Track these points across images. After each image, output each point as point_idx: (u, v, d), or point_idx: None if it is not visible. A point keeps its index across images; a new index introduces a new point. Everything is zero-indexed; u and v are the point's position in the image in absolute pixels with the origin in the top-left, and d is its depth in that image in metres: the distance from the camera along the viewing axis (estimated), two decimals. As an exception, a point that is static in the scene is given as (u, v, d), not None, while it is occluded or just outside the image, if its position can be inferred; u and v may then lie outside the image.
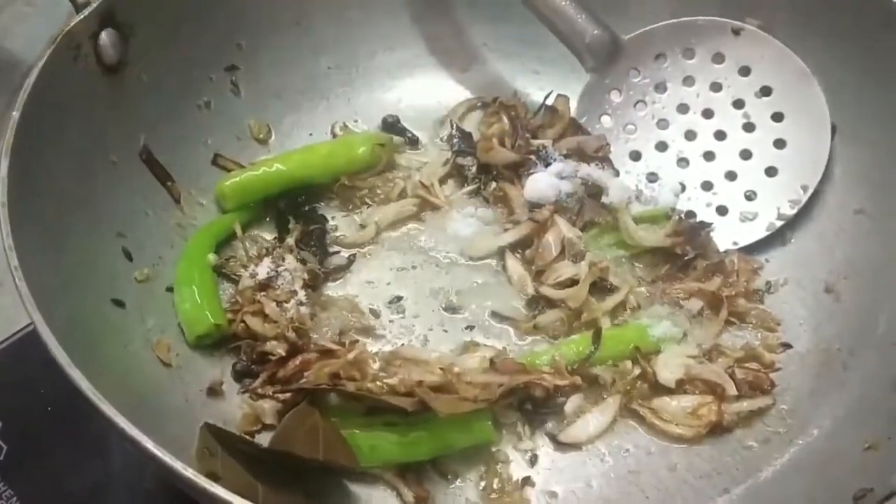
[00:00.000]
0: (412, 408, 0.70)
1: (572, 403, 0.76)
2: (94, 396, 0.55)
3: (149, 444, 0.54)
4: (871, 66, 0.85)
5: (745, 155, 0.90)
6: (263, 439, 0.74)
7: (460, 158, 0.93)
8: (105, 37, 0.78)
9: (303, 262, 0.84)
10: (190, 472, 0.52)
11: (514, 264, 0.86)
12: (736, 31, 0.90)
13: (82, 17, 0.76)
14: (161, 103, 0.85)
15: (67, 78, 0.75)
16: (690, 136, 0.91)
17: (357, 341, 0.80)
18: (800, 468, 0.72)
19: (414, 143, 0.97)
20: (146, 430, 0.57)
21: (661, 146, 0.92)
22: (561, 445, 0.75)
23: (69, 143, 0.75)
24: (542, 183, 0.89)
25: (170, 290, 0.81)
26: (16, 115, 0.69)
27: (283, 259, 0.83)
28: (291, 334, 0.77)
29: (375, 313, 0.84)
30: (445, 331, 0.83)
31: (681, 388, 0.77)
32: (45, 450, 0.81)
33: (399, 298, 0.85)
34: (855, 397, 0.75)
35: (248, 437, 0.74)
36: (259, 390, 0.76)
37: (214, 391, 0.77)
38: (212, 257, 0.83)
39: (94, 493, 0.79)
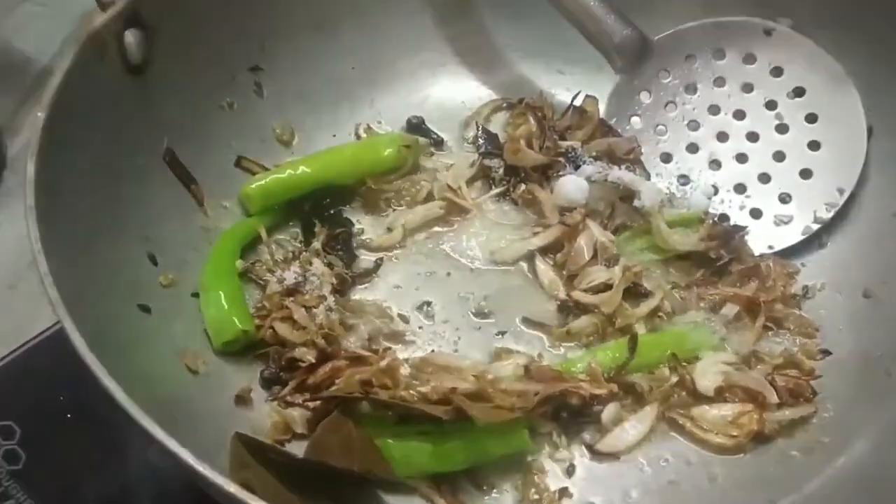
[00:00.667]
0: (448, 416, 0.68)
1: (609, 412, 0.74)
2: (132, 408, 0.54)
3: (189, 458, 0.52)
4: (908, 65, 0.84)
5: (779, 157, 0.88)
6: (293, 448, 0.72)
7: (487, 160, 0.91)
8: (130, 36, 0.76)
9: (330, 266, 0.82)
10: (233, 488, 0.51)
11: (544, 269, 0.84)
12: (768, 32, 0.88)
13: (108, 15, 0.74)
14: (185, 104, 0.84)
15: (93, 78, 0.73)
16: (722, 137, 0.90)
17: (388, 348, 0.78)
18: (846, 481, 0.70)
19: (439, 144, 0.95)
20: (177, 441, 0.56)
21: (693, 148, 0.90)
22: (598, 455, 0.74)
23: (94, 145, 0.74)
24: (571, 185, 0.87)
25: (195, 295, 0.79)
26: (41, 115, 0.67)
27: (311, 263, 0.81)
28: (321, 341, 0.75)
29: (405, 318, 0.82)
30: (476, 337, 0.81)
31: (720, 396, 0.75)
32: (64, 457, 0.80)
33: (428, 303, 0.83)
34: (899, 405, 0.73)
35: (278, 446, 0.72)
36: (288, 398, 0.74)
37: (243, 399, 0.75)
38: (239, 263, 0.81)
39: (113, 501, 0.78)
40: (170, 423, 0.59)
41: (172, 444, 0.53)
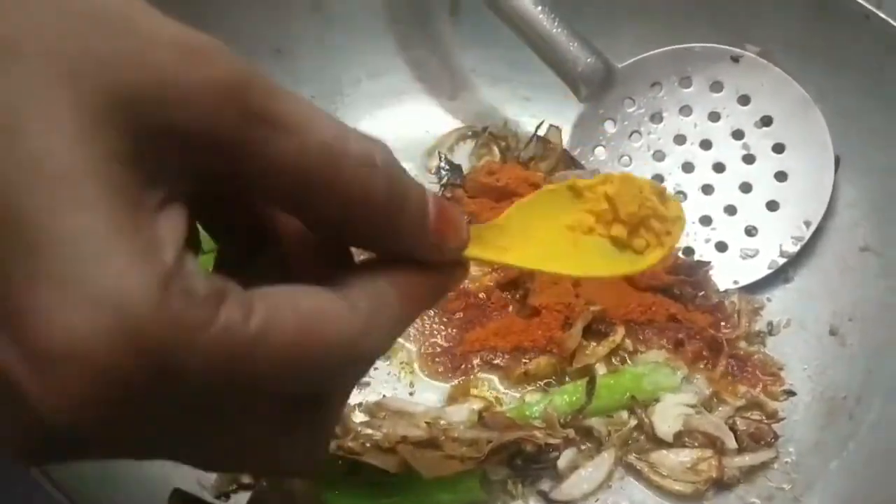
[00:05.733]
0: (396, 469, 0.66)
1: (565, 458, 0.72)
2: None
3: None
4: (876, 93, 0.82)
5: (746, 188, 0.86)
6: (240, 499, 0.70)
7: (449, 192, 0.89)
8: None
9: (284, 306, 0.80)
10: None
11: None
12: (735, 59, 0.86)
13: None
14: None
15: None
16: (688, 168, 0.88)
17: (340, 393, 0.76)
18: (807, 531, 0.68)
19: (401, 175, 0.93)
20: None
21: (658, 179, 0.88)
22: (554, 503, 0.72)
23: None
24: (533, 219, 0.85)
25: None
26: None
27: (263, 304, 0.79)
28: (271, 386, 0.73)
29: (360, 360, 0.80)
30: (432, 379, 0.79)
31: (679, 440, 0.73)
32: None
33: (385, 343, 0.81)
34: (863, 450, 0.71)
35: (224, 497, 0.70)
36: (237, 446, 0.72)
37: (189, 448, 0.73)
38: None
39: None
40: (110, 477, 0.57)
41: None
